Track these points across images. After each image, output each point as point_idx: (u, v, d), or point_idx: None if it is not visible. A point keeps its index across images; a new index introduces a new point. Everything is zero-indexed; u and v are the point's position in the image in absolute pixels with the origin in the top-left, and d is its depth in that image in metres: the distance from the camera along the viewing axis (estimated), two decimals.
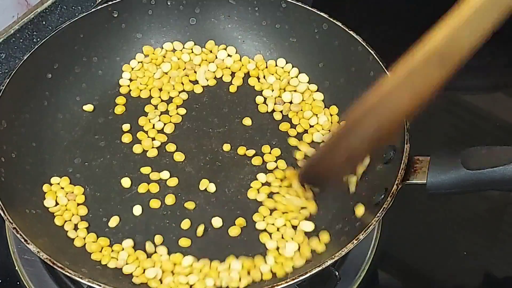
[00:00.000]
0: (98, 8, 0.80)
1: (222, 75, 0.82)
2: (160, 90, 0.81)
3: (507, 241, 0.79)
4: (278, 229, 0.71)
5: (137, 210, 0.72)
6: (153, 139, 0.77)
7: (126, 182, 0.74)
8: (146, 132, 0.78)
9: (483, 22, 0.59)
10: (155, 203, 0.73)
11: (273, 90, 0.81)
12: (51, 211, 0.71)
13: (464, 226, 0.79)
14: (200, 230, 0.70)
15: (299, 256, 0.68)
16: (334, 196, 0.73)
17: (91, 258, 0.68)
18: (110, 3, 0.81)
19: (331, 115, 0.79)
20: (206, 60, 0.83)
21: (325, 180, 0.69)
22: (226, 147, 0.76)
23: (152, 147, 0.77)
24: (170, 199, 0.73)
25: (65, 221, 0.71)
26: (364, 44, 0.76)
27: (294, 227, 0.71)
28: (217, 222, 0.71)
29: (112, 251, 0.69)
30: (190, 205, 0.73)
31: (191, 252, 0.69)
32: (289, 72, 0.82)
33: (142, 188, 0.73)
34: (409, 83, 0.60)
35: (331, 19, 0.79)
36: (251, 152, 0.76)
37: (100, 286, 0.62)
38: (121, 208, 0.72)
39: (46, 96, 0.77)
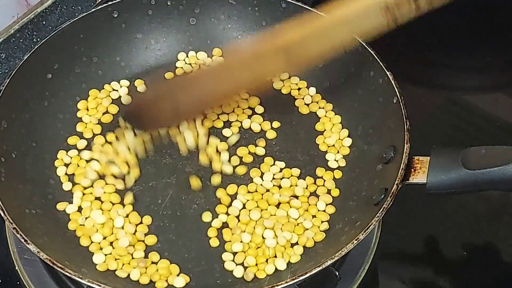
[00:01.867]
0: (98, 8, 0.80)
1: None
2: None
3: (507, 241, 0.79)
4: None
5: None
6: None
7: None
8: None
9: (336, 38, 0.66)
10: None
11: None
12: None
13: (464, 226, 0.79)
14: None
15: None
16: (334, 196, 0.73)
17: (91, 258, 0.69)
18: (110, 3, 0.81)
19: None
20: None
21: (147, 124, 0.74)
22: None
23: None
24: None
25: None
26: (364, 44, 0.76)
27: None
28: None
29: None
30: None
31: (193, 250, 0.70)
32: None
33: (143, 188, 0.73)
34: (251, 66, 0.69)
35: None
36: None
37: (100, 286, 0.62)
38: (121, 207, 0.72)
39: (46, 96, 0.77)
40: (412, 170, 0.67)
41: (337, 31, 0.66)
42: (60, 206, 0.72)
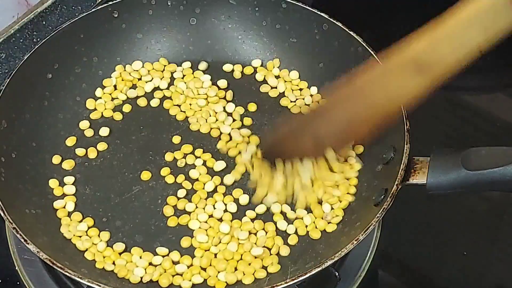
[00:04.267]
0: (98, 8, 0.80)
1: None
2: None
3: (507, 241, 0.79)
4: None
5: (137, 210, 0.72)
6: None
7: (126, 181, 0.74)
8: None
9: (468, 39, 0.59)
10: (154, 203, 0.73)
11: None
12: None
13: (464, 226, 0.79)
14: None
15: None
16: None
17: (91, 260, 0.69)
18: (110, 3, 0.81)
19: None
20: None
21: (284, 157, 0.69)
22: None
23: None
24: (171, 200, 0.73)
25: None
26: (364, 45, 0.76)
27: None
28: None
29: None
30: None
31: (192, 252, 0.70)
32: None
33: (143, 188, 0.74)
34: (383, 85, 0.62)
35: (331, 19, 0.79)
36: None
37: (100, 286, 0.62)
38: (121, 208, 0.72)
39: (46, 96, 0.77)
40: (412, 170, 0.67)
41: (468, 33, 0.59)
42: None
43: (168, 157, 0.76)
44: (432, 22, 0.60)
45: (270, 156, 0.70)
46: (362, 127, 0.66)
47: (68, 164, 0.75)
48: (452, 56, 0.60)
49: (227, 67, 0.83)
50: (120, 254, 0.69)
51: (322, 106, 0.70)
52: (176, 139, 0.77)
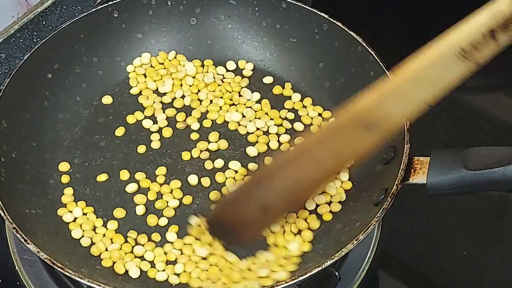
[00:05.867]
0: (98, 8, 0.80)
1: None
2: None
3: (507, 241, 0.79)
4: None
5: (138, 210, 0.72)
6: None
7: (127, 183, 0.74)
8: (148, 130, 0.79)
9: (415, 95, 0.56)
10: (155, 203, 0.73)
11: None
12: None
13: (464, 226, 0.79)
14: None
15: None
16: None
17: (91, 258, 0.69)
18: (110, 3, 0.81)
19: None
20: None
21: (235, 233, 0.66)
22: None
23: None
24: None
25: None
26: (364, 45, 0.76)
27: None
28: None
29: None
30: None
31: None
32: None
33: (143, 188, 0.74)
34: (331, 144, 0.60)
35: (331, 20, 0.79)
36: None
37: (100, 286, 0.62)
38: (121, 208, 0.72)
39: (46, 96, 0.77)
40: (412, 170, 0.67)
41: (415, 89, 0.56)
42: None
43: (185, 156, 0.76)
44: (381, 80, 0.59)
45: (216, 229, 0.67)
46: (308, 189, 0.65)
47: (67, 164, 0.75)
48: (399, 113, 0.58)
49: (227, 66, 0.83)
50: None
51: (268, 169, 0.66)
52: None
